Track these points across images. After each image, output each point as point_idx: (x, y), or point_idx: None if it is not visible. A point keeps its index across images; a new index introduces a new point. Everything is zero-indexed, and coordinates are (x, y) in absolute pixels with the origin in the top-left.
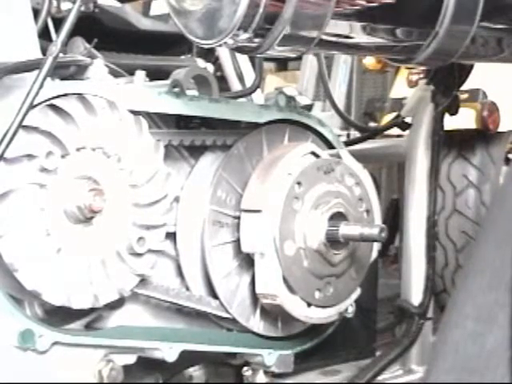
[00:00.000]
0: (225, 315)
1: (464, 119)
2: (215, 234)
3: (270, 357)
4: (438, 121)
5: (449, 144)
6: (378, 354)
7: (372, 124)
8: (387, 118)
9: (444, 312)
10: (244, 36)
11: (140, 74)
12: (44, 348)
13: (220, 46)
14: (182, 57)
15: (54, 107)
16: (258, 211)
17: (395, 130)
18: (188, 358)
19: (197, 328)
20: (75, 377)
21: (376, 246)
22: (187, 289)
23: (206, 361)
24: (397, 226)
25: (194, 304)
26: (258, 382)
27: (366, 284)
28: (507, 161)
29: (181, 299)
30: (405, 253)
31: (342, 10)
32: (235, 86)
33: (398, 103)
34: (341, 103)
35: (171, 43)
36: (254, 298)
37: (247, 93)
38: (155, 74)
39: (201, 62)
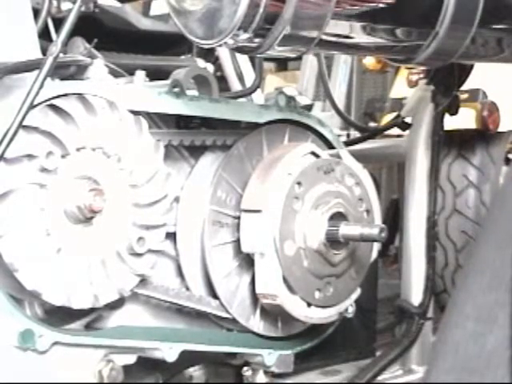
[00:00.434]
0: (225, 315)
1: (464, 119)
2: (215, 234)
3: (270, 357)
4: (438, 121)
5: (449, 144)
6: (378, 353)
7: (372, 124)
8: (387, 118)
9: (444, 312)
10: (244, 36)
11: (140, 74)
12: (44, 348)
13: (220, 46)
14: (182, 57)
15: (54, 107)
16: (258, 211)
17: (395, 130)
18: (188, 358)
19: (197, 328)
20: (75, 377)
21: (376, 246)
22: (187, 289)
23: (206, 361)
24: (397, 225)
25: (194, 304)
26: (257, 382)
27: (366, 284)
28: (507, 161)
29: (181, 299)
30: (405, 253)
31: (341, 10)
32: (235, 85)
33: (398, 103)
34: (341, 103)
35: (171, 43)
36: (254, 298)
37: (247, 93)
38: (155, 74)
39: (201, 62)
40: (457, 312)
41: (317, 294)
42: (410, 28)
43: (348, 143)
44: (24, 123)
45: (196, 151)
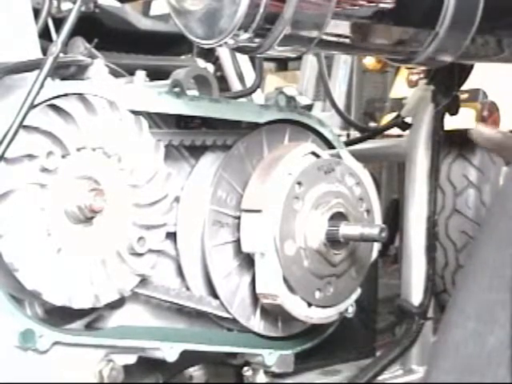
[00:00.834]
0: (225, 315)
1: (464, 119)
2: (215, 233)
3: (271, 357)
4: (438, 121)
5: (449, 144)
6: (378, 353)
7: (372, 124)
8: (387, 118)
9: (444, 312)
10: (244, 36)
11: (140, 74)
12: (44, 348)
13: (220, 46)
14: (182, 57)
15: (54, 107)
16: (259, 211)
17: (395, 130)
18: (188, 358)
19: (197, 328)
20: (75, 377)
21: (376, 246)
22: (187, 289)
23: (206, 361)
24: (397, 226)
25: (195, 304)
26: (258, 381)
27: (366, 284)
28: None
29: (181, 299)
30: (405, 253)
31: (341, 10)
32: (235, 85)
33: (398, 103)
34: (341, 103)
35: (171, 43)
36: (255, 297)
37: (247, 93)
38: (155, 74)
39: (201, 62)
40: (457, 312)
41: (317, 294)
42: (410, 28)
43: (348, 143)
44: (24, 123)
45: (196, 151)
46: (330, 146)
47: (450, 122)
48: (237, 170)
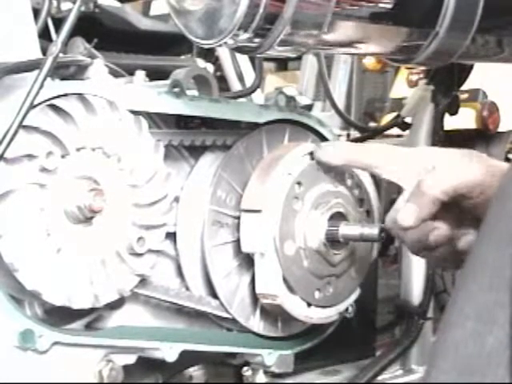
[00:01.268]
0: (225, 315)
1: (464, 119)
2: (215, 234)
3: (270, 357)
4: (437, 121)
5: (449, 144)
6: (378, 353)
7: (372, 124)
8: (387, 118)
9: (444, 312)
10: (244, 36)
11: (140, 74)
12: (44, 348)
13: (220, 46)
14: (182, 57)
15: (54, 107)
16: (258, 211)
17: (395, 130)
18: (188, 358)
19: (197, 328)
20: (75, 377)
21: (376, 246)
22: (187, 289)
23: (206, 361)
24: None
25: (194, 304)
26: (257, 382)
27: (366, 284)
28: (507, 161)
29: (181, 299)
30: (405, 253)
31: (341, 10)
32: (235, 86)
33: (398, 103)
34: (341, 103)
35: (171, 43)
36: (254, 297)
37: (247, 93)
38: (155, 74)
39: (201, 62)
40: (457, 312)
41: (317, 294)
42: (410, 28)
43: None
44: (24, 123)
45: (196, 151)
46: None
47: (450, 122)
48: (236, 170)
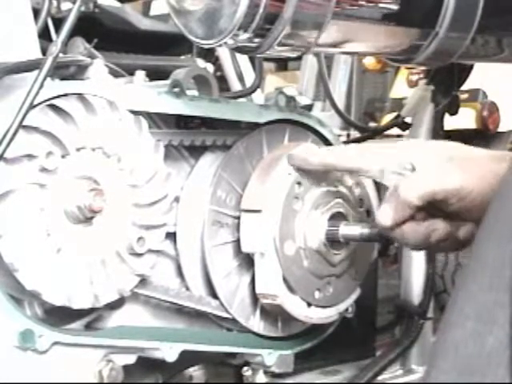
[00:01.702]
0: (225, 315)
1: (464, 119)
2: (215, 234)
3: (270, 357)
4: (437, 121)
5: None
6: (378, 353)
7: (372, 124)
8: (387, 118)
9: (444, 312)
10: (244, 36)
11: (140, 74)
12: (44, 348)
13: (220, 46)
14: (182, 57)
15: (54, 107)
16: (258, 211)
17: (395, 130)
18: (188, 358)
19: (197, 328)
20: (75, 377)
21: (376, 246)
22: (187, 289)
23: (206, 361)
24: None
25: (194, 304)
26: (257, 382)
27: (366, 284)
28: None
29: (181, 299)
30: (405, 253)
31: (341, 10)
32: (235, 86)
33: (398, 103)
34: (341, 103)
35: (171, 43)
36: (254, 297)
37: (247, 93)
38: (155, 74)
39: (201, 62)
40: (457, 312)
41: (317, 294)
42: (410, 28)
43: (348, 143)
44: (24, 123)
45: (196, 151)
46: (330, 145)
47: (450, 122)
48: (236, 170)
